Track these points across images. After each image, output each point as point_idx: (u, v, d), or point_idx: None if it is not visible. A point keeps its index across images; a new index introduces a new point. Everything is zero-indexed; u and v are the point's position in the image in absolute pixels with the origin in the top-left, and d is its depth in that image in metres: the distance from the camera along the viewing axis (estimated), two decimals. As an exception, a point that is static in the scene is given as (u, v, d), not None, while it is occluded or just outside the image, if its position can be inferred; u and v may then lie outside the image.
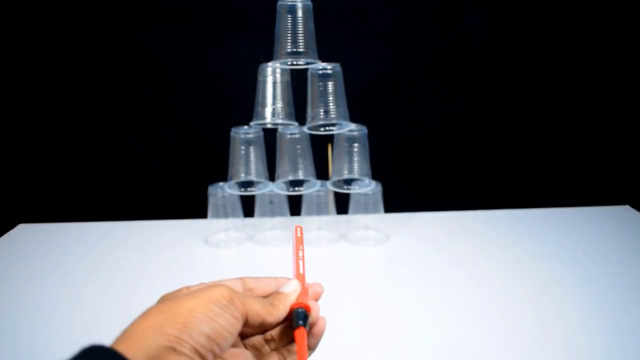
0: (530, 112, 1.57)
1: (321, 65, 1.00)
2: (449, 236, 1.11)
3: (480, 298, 0.85)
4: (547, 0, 1.47)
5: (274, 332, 0.42)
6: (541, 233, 1.11)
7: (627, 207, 1.24)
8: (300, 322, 0.39)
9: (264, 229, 1.13)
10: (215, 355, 0.33)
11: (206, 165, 1.30)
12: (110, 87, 1.54)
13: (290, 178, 1.05)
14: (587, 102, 1.55)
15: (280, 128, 1.05)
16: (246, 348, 0.41)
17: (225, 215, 1.10)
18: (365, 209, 1.08)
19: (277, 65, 1.03)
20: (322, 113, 1.01)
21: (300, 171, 1.05)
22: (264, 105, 1.04)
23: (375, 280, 0.95)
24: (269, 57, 1.02)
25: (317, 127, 1.03)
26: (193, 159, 1.59)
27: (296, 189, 1.06)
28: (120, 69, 1.53)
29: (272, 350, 0.41)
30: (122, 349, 0.30)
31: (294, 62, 1.01)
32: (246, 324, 0.37)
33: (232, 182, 1.06)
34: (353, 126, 1.04)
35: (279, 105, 1.04)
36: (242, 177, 1.05)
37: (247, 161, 1.05)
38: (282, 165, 1.06)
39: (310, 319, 0.40)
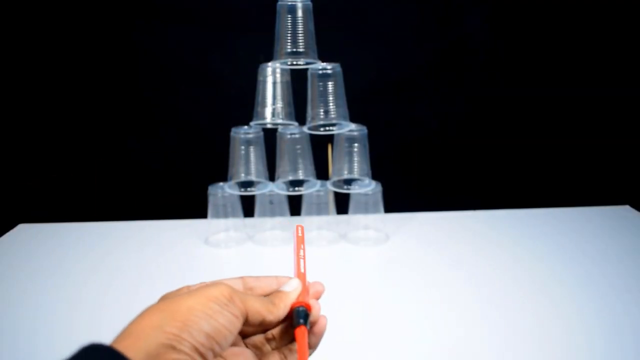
0: (530, 112, 1.57)
1: (321, 65, 1.00)
2: (449, 236, 1.11)
3: (480, 298, 0.85)
4: (547, 0, 1.47)
5: (275, 331, 0.42)
6: (541, 233, 1.11)
7: (627, 207, 1.24)
8: (301, 320, 0.39)
9: (264, 229, 1.13)
10: (215, 354, 0.33)
11: (206, 165, 1.30)
12: (110, 87, 1.54)
13: (290, 178, 1.05)
14: (587, 102, 1.55)
15: (280, 128, 1.05)
16: (247, 347, 0.41)
17: (225, 215, 1.10)
18: (365, 209, 1.08)
19: (277, 65, 1.03)
20: (322, 113, 1.01)
21: (300, 171, 1.05)
22: (264, 105, 1.04)
23: (375, 280, 0.95)
24: (269, 57, 1.02)
25: (317, 127, 1.03)
26: (193, 159, 1.59)
27: (296, 189, 1.06)
28: (120, 69, 1.53)
29: (273, 349, 0.41)
30: (121, 348, 0.30)
31: (294, 62, 1.01)
32: (246, 322, 0.37)
33: (232, 182, 1.06)
34: (353, 126, 1.04)
35: (279, 105, 1.04)
36: (242, 177, 1.05)
37: (247, 161, 1.05)
38: (282, 165, 1.06)
39: (311, 318, 0.40)
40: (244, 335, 0.42)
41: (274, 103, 1.04)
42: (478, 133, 1.59)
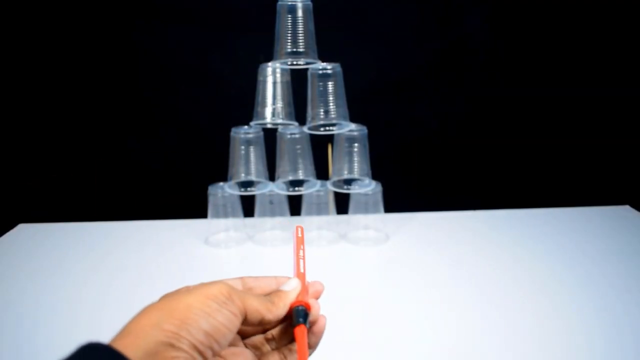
0: (530, 112, 1.57)
1: (321, 65, 1.00)
2: (449, 236, 1.11)
3: (480, 298, 0.85)
4: (547, 0, 1.47)
5: (275, 331, 0.42)
6: (541, 233, 1.11)
7: (627, 207, 1.24)
8: (301, 319, 0.39)
9: (264, 229, 1.13)
10: (214, 353, 0.33)
11: (206, 165, 1.30)
12: (110, 87, 1.54)
13: (290, 178, 1.05)
14: (587, 102, 1.55)
15: (280, 128, 1.05)
16: (246, 347, 0.41)
17: (225, 215, 1.10)
18: (365, 209, 1.08)
19: (277, 65, 1.03)
20: (322, 113, 1.01)
21: (300, 171, 1.05)
22: (264, 105, 1.04)
23: (375, 280, 0.95)
24: (269, 57, 1.02)
25: (317, 127, 1.03)
26: (193, 159, 1.59)
27: (296, 189, 1.06)
28: (120, 69, 1.53)
29: (272, 349, 0.41)
30: (120, 346, 0.30)
31: (294, 62, 1.01)
32: (245, 321, 0.37)
33: (232, 182, 1.06)
34: (353, 126, 1.04)
35: (279, 105, 1.04)
36: (242, 177, 1.05)
37: (247, 161, 1.05)
38: (282, 165, 1.06)
39: (311, 317, 0.40)
40: (243, 335, 0.41)
41: (274, 103, 1.04)
42: (478, 133, 1.59)
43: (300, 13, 0.98)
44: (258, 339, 0.41)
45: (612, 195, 1.42)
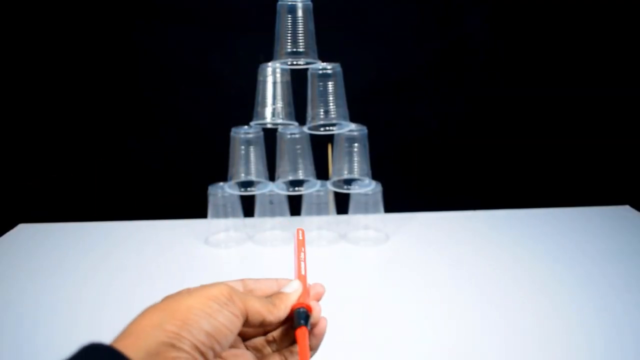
0: (530, 112, 1.57)
1: (321, 65, 1.00)
2: (449, 236, 1.11)
3: (480, 298, 0.85)
4: (547, 0, 1.47)
5: (276, 334, 0.42)
6: (541, 233, 1.11)
7: (627, 207, 1.24)
8: (302, 321, 0.39)
9: (264, 229, 1.13)
10: (215, 353, 0.33)
11: (206, 165, 1.30)
12: (110, 87, 1.54)
13: (290, 178, 1.05)
14: (587, 102, 1.55)
15: (280, 128, 1.05)
16: (247, 349, 0.41)
17: (225, 215, 1.10)
18: (365, 209, 1.08)
19: (277, 65, 1.03)
20: (322, 113, 1.01)
21: (300, 171, 1.05)
22: (264, 105, 1.04)
23: (375, 280, 0.95)
24: (269, 57, 1.02)
25: (317, 127, 1.03)
26: (193, 159, 1.59)
27: (296, 189, 1.06)
28: (120, 69, 1.53)
29: (273, 351, 0.41)
30: (121, 347, 0.30)
31: (294, 62, 1.01)
32: (247, 323, 0.37)
33: (232, 182, 1.06)
34: (353, 126, 1.04)
35: (279, 105, 1.04)
36: (242, 177, 1.05)
37: (247, 161, 1.05)
38: (282, 165, 1.06)
39: (312, 319, 0.40)
40: (244, 337, 0.42)
41: (274, 103, 1.04)
42: (478, 133, 1.59)
43: (300, 13, 0.98)
44: (259, 341, 0.41)
45: (612, 195, 1.42)
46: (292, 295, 0.41)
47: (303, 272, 0.44)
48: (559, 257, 0.99)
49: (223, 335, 0.34)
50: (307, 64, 1.01)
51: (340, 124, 1.03)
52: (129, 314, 0.34)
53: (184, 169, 1.60)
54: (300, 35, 0.98)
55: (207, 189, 1.09)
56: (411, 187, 1.61)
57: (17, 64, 1.51)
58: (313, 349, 0.41)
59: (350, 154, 1.05)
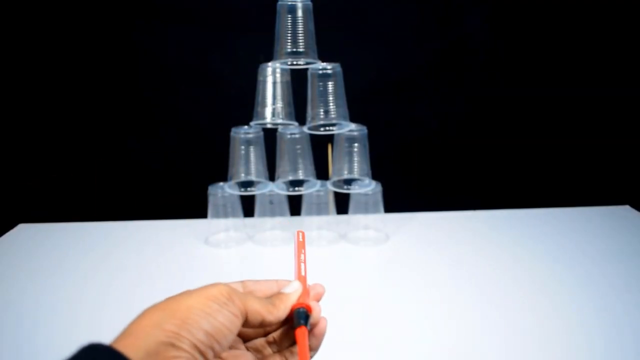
0: (530, 112, 1.57)
1: (321, 65, 1.00)
2: (449, 236, 1.11)
3: (480, 298, 0.85)
4: (547, 0, 1.47)
5: (276, 334, 0.42)
6: (541, 233, 1.11)
7: (627, 207, 1.24)
8: (302, 321, 0.39)
9: (264, 229, 1.13)
10: (215, 353, 0.33)
11: (206, 165, 1.30)
12: (110, 87, 1.54)
13: (290, 178, 1.05)
14: (587, 102, 1.55)
15: (280, 128, 1.05)
16: (248, 350, 0.41)
17: (225, 215, 1.10)
18: (365, 209, 1.08)
19: (277, 65, 1.03)
20: (322, 113, 1.01)
21: (300, 171, 1.05)
22: (264, 105, 1.04)
23: (375, 280, 0.95)
24: (269, 57, 1.02)
25: (317, 127, 1.03)
26: (193, 159, 1.59)
27: (296, 189, 1.06)
28: (120, 69, 1.53)
29: (274, 352, 0.41)
30: (121, 347, 0.30)
31: (294, 62, 1.01)
32: (246, 323, 0.37)
33: (232, 182, 1.06)
34: (353, 126, 1.04)
35: (279, 105, 1.04)
36: (242, 177, 1.05)
37: (247, 161, 1.05)
38: (282, 165, 1.06)
39: (312, 319, 0.40)
40: (244, 338, 0.42)
41: (274, 103, 1.04)
42: (478, 133, 1.59)
43: (300, 13, 0.98)
44: (259, 341, 0.41)
45: (612, 195, 1.42)
46: (291, 295, 0.41)
47: (303, 273, 0.44)
48: (559, 257, 0.99)
49: (223, 335, 0.34)
50: (307, 64, 1.01)
51: (340, 124, 1.04)
52: (129, 314, 0.34)
53: (184, 169, 1.60)
54: (300, 35, 0.98)
55: (207, 189, 1.09)
56: (411, 187, 1.61)
57: (17, 64, 1.51)
58: (313, 349, 0.41)
59: (350, 154, 1.05)
